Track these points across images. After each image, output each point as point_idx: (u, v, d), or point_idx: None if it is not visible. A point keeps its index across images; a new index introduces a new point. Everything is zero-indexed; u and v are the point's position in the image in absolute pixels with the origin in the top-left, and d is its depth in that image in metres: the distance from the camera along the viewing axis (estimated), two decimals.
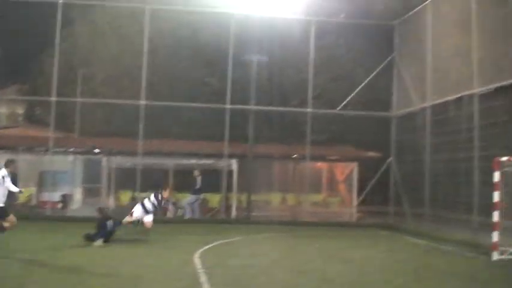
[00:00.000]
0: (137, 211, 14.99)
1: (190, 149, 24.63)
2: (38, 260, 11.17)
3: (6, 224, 12.31)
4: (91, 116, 30.00)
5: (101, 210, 14.95)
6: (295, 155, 24.90)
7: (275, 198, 26.42)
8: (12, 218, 12.40)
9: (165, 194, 15.63)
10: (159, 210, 16.13)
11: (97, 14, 30.34)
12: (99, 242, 13.66)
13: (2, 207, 12.18)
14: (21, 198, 22.82)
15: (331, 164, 26.92)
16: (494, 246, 13.28)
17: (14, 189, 12.81)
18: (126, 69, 29.47)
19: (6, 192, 12.48)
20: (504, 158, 13.58)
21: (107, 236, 14.03)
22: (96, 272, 9.36)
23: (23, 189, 14.60)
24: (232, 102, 22.64)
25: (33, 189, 23.88)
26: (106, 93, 29.49)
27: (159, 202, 15.25)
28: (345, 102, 23.96)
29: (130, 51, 27.95)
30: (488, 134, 18.08)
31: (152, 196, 15.26)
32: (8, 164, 12.88)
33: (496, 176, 13.49)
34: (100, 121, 30.19)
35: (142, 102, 21.85)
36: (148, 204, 15.08)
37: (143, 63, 22.03)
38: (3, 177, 12.36)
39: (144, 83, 21.88)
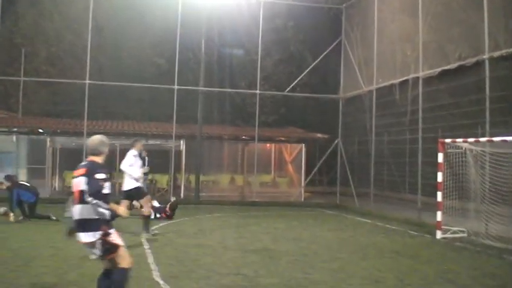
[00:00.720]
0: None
1: (138, 129, 24.33)
2: None
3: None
4: (35, 95, 29.18)
5: (9, 177, 14.63)
6: (244, 136, 24.94)
7: (224, 178, 26.49)
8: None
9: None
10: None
11: None
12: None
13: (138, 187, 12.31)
14: None
15: (280, 145, 27.12)
16: (438, 225, 13.71)
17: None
18: (70, 48, 28.78)
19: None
20: (448, 140, 13.96)
21: (18, 205, 14.12)
22: (41, 254, 9.15)
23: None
24: (180, 83, 22.37)
25: None
26: (50, 72, 28.74)
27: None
28: (293, 84, 24.06)
29: (74, 29, 27.30)
30: (432, 116, 18.55)
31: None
32: (134, 144, 12.87)
33: (440, 157, 13.88)
34: (44, 101, 29.40)
35: (87, 81, 21.28)
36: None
37: (88, 42, 21.44)
38: (134, 157, 12.49)
39: (88, 62, 21.32)
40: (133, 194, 12.23)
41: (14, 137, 22.99)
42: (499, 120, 15.68)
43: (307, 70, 24.38)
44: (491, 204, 12.56)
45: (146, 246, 11.13)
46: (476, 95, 15.73)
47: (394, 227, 15.59)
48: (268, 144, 27.18)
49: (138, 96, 28.74)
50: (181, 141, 23.40)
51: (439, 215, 13.74)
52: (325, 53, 23.62)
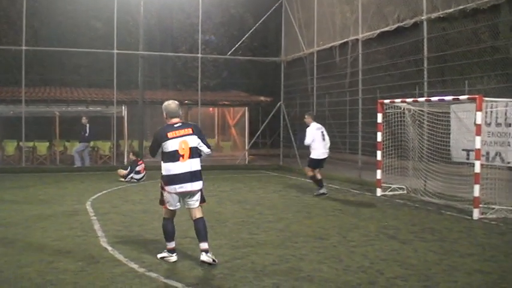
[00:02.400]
0: None
1: (77, 96, 23.79)
2: None
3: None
4: None
5: None
6: (187, 101, 24.77)
7: None
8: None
9: None
10: None
11: None
12: None
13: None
14: None
15: (223, 109, 27.11)
16: (378, 184, 14.15)
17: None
18: (4, 13, 27.60)
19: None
20: (387, 101, 14.31)
21: None
22: None
23: None
24: (119, 48, 21.87)
25: None
26: None
27: None
28: (235, 48, 23.95)
29: None
30: (372, 78, 18.90)
31: None
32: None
33: (379, 118, 14.24)
34: None
35: (23, 47, 20.52)
36: None
37: (23, 7, 20.54)
38: (322, 132, 13.84)
39: (24, 28, 20.51)
40: None
41: None
42: (436, 80, 16.15)
43: (249, 33, 24.29)
44: (429, 162, 13.02)
45: (92, 213, 11.04)
46: (414, 56, 16.09)
47: (336, 186, 15.98)
48: (211, 108, 27.11)
49: (76, 62, 28.02)
50: (123, 107, 23.03)
51: (378, 174, 14.18)
52: (266, 15, 23.53)
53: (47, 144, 23.15)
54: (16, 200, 12.83)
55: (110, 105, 22.34)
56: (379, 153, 14.24)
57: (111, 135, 22.02)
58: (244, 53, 26.92)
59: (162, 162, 7.14)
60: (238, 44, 24.11)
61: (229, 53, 24.13)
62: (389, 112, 14.47)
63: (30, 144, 22.27)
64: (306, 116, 14.29)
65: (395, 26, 16.32)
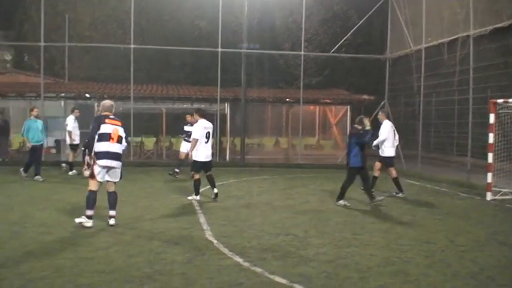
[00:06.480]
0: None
1: (183, 93, 24.44)
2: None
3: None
4: (79, 61, 29.62)
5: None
6: (288, 99, 24.80)
7: (269, 141, 26.52)
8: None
9: None
10: None
11: None
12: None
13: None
14: (15, 145, 22.81)
15: (324, 107, 26.87)
16: (488, 187, 13.47)
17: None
18: (113, 13, 28.95)
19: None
20: (500, 100, 13.58)
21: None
22: (98, 213, 9.36)
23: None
24: (223, 46, 22.24)
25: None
26: (94, 37, 29.07)
27: None
28: (338, 45, 23.66)
29: None
30: (482, 76, 18.08)
31: None
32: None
33: (491, 118, 13.54)
34: (89, 66, 29.84)
35: (132, 46, 21.38)
36: None
37: (131, 6, 21.40)
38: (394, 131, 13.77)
39: (132, 26, 21.36)
40: None
41: (62, 102, 23.38)
42: None
43: (353, 30, 23.90)
44: None
45: (197, 207, 11.29)
46: None
47: (443, 189, 15.40)
48: (312, 107, 26.95)
49: (181, 60, 28.83)
50: (226, 105, 23.42)
51: (489, 177, 13.47)
52: (371, 12, 23.05)
53: (154, 139, 23.97)
54: (123, 193, 13.37)
55: (213, 102, 22.77)
56: (490, 156, 13.54)
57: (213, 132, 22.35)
58: (347, 51, 26.53)
59: (96, 142, 8.91)
60: (342, 41, 23.80)
61: (332, 50, 23.88)
62: (502, 112, 13.74)
63: (138, 139, 23.17)
64: (380, 113, 14.03)
65: (510, 22, 15.50)
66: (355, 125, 12.01)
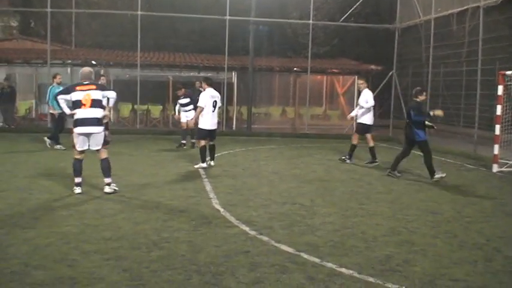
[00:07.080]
0: None
1: (190, 61, 24.34)
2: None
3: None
4: (86, 27, 29.42)
5: None
6: (296, 68, 24.66)
7: (275, 111, 26.48)
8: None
9: None
10: None
11: None
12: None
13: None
14: (21, 111, 22.85)
15: (332, 77, 26.73)
16: (494, 159, 13.44)
17: None
18: None
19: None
20: (509, 72, 13.46)
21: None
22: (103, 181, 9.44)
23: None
24: (231, 14, 22.05)
25: (32, 102, 23.83)
26: (101, 4, 28.81)
27: None
28: (347, 14, 23.42)
29: None
30: (491, 47, 17.89)
31: None
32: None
33: (500, 90, 13.43)
34: (96, 33, 29.65)
35: (139, 12, 21.22)
36: None
37: None
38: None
39: None
40: None
41: (69, 69, 23.36)
42: None
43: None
44: None
45: (204, 175, 11.34)
46: None
47: (449, 160, 15.38)
48: (319, 76, 26.81)
49: (188, 28, 28.59)
50: (233, 73, 23.33)
51: (496, 148, 13.44)
52: None
53: (160, 107, 23.98)
54: (130, 160, 13.45)
55: (220, 71, 22.68)
56: (497, 127, 13.48)
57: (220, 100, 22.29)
58: (356, 20, 26.25)
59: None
60: (351, 10, 23.54)
61: (341, 19, 23.65)
62: (510, 84, 13.63)
63: (144, 107, 23.18)
64: (362, 82, 13.95)
65: None
66: (415, 98, 11.63)
